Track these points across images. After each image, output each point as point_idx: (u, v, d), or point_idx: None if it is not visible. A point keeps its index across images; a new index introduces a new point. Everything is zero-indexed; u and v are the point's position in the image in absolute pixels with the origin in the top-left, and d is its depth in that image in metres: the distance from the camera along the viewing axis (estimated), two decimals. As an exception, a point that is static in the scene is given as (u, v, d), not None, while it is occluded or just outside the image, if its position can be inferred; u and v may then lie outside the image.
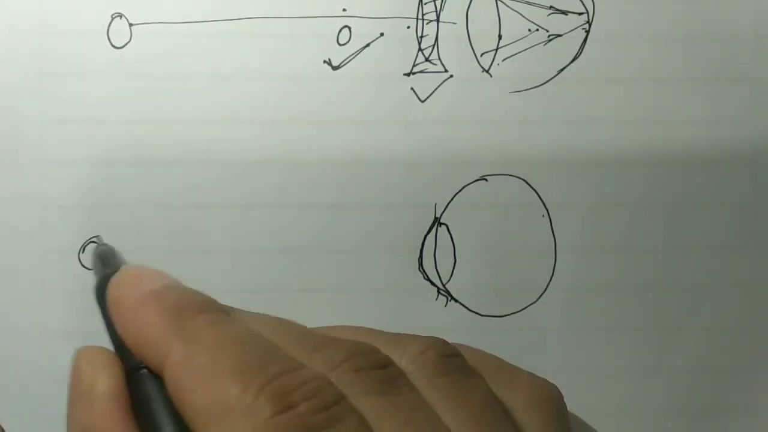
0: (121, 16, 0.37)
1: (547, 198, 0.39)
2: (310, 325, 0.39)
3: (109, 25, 0.37)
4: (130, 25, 0.38)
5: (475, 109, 0.39)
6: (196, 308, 0.21)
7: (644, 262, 0.40)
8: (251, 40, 0.38)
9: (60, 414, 0.38)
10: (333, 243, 0.39)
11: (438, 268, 0.39)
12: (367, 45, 0.38)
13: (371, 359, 0.20)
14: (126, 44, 0.38)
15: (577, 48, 0.39)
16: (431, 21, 0.38)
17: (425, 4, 0.38)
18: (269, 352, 0.19)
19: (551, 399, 0.22)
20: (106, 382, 0.21)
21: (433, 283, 0.39)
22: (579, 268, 0.39)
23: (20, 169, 0.37)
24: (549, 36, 0.39)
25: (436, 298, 0.39)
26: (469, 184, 0.39)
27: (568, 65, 0.39)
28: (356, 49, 0.38)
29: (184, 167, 0.38)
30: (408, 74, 0.39)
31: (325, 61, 0.38)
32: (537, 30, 0.39)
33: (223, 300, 0.38)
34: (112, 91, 0.37)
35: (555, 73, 0.39)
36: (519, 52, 0.39)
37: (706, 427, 0.40)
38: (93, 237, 0.38)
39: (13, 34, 0.37)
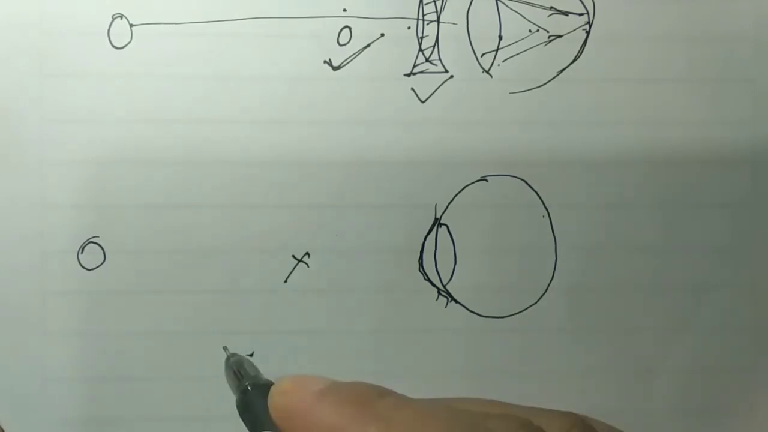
0: (122, 16, 0.37)
1: (547, 198, 0.39)
2: (313, 328, 0.39)
3: (110, 26, 0.37)
4: (131, 25, 0.37)
5: (476, 110, 0.39)
6: (375, 394, 0.22)
7: (645, 263, 0.40)
8: (252, 40, 0.38)
9: (60, 414, 0.38)
10: (333, 243, 0.39)
11: (438, 268, 0.39)
12: (368, 45, 0.38)
13: None
14: (127, 45, 0.37)
15: (578, 49, 0.39)
16: (432, 21, 0.38)
17: (426, 4, 0.38)
18: (473, 417, 0.21)
19: None
20: None
21: (433, 284, 0.39)
22: (579, 269, 0.39)
23: (20, 169, 0.37)
24: (549, 37, 0.39)
25: (437, 299, 0.39)
26: (469, 184, 0.39)
27: (568, 66, 0.39)
28: (357, 50, 0.38)
29: (184, 167, 0.38)
30: (408, 75, 0.39)
31: (325, 62, 0.38)
32: (537, 30, 0.39)
33: (223, 300, 0.38)
34: (113, 92, 0.37)
35: (555, 74, 0.39)
36: (519, 53, 0.39)
37: (706, 427, 0.40)
38: (92, 236, 0.38)
39: (13, 34, 0.37)
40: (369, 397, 0.22)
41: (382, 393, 0.22)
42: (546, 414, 0.22)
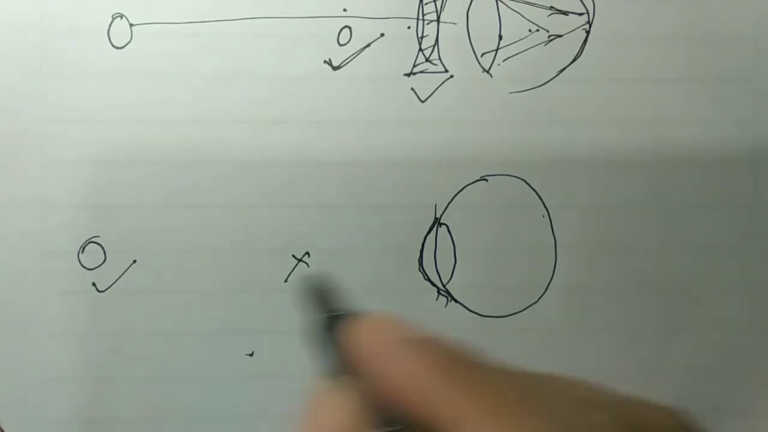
0: (121, 16, 0.37)
1: (547, 198, 0.39)
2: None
3: (110, 26, 0.37)
4: (131, 25, 0.38)
5: (476, 110, 0.39)
6: (467, 358, 0.20)
7: (644, 263, 0.40)
8: (252, 40, 0.38)
9: (60, 414, 0.38)
10: (333, 243, 0.39)
11: (438, 268, 0.39)
12: (368, 45, 0.38)
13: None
14: (126, 44, 0.38)
15: (578, 48, 0.39)
16: (432, 21, 0.38)
17: (426, 4, 0.38)
18: (574, 406, 0.19)
19: None
20: None
21: (433, 284, 0.39)
22: (579, 269, 0.39)
23: (20, 169, 0.37)
24: (549, 36, 0.39)
25: (437, 299, 0.39)
26: (469, 184, 0.39)
27: (568, 66, 0.39)
28: (357, 50, 0.38)
29: (184, 167, 0.38)
30: (408, 74, 0.39)
31: (325, 61, 0.38)
32: (537, 30, 0.39)
33: (223, 300, 0.38)
34: (113, 91, 0.37)
35: (555, 74, 0.39)
36: (519, 53, 0.39)
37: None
38: (93, 236, 0.38)
39: (13, 34, 0.37)
40: (466, 361, 0.20)
41: (475, 360, 0.20)
42: (648, 407, 0.20)
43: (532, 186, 0.39)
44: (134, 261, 0.38)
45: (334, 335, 0.22)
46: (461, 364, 0.19)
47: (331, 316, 0.22)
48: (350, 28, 0.38)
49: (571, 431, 0.18)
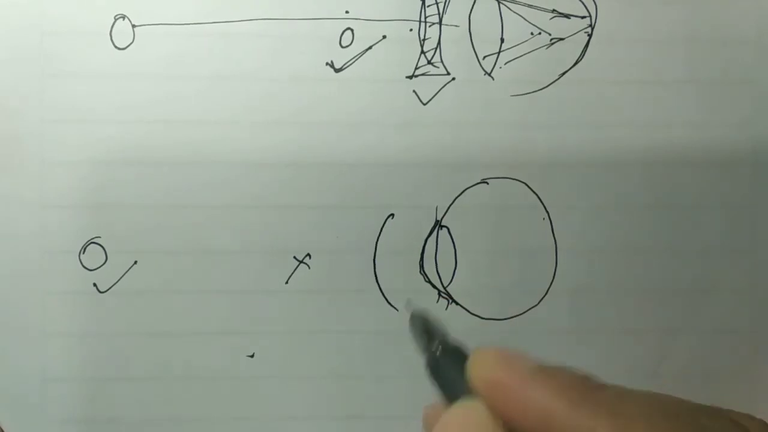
0: (124, 17, 0.37)
1: (548, 201, 0.39)
2: (313, 329, 0.39)
3: (112, 26, 0.37)
4: (133, 26, 0.37)
5: (477, 112, 0.39)
6: (592, 383, 0.22)
7: (645, 264, 0.40)
8: (254, 41, 0.38)
9: (60, 414, 0.38)
10: (334, 244, 0.39)
11: (439, 270, 0.39)
12: (370, 47, 0.38)
13: None
14: (129, 45, 0.37)
15: (580, 51, 0.39)
16: (434, 24, 0.38)
17: (428, 6, 0.38)
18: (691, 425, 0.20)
19: None
20: None
21: (434, 286, 0.39)
22: (580, 271, 0.39)
23: (20, 169, 0.37)
24: (551, 39, 0.39)
25: (437, 301, 0.39)
26: (470, 186, 0.39)
27: (570, 68, 0.39)
28: (359, 52, 0.38)
29: (184, 167, 0.38)
30: (410, 77, 0.39)
31: (327, 63, 0.38)
32: (539, 33, 0.39)
33: (224, 300, 0.38)
34: (115, 92, 0.37)
35: (557, 77, 0.39)
36: (521, 56, 0.39)
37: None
38: (94, 237, 0.38)
39: (14, 34, 0.37)
40: (587, 386, 0.22)
41: (601, 385, 0.22)
42: (746, 418, 0.22)
43: (533, 189, 0.39)
44: (135, 262, 0.38)
45: (453, 370, 0.24)
46: (584, 389, 0.21)
47: (444, 351, 0.24)
48: (352, 30, 0.38)
49: None
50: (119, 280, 0.38)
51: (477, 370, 0.23)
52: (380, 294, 0.39)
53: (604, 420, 0.20)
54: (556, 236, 0.39)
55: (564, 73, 0.39)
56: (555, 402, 0.21)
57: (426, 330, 0.26)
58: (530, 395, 0.21)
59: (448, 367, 0.24)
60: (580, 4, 0.39)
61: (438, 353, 0.25)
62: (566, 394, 0.21)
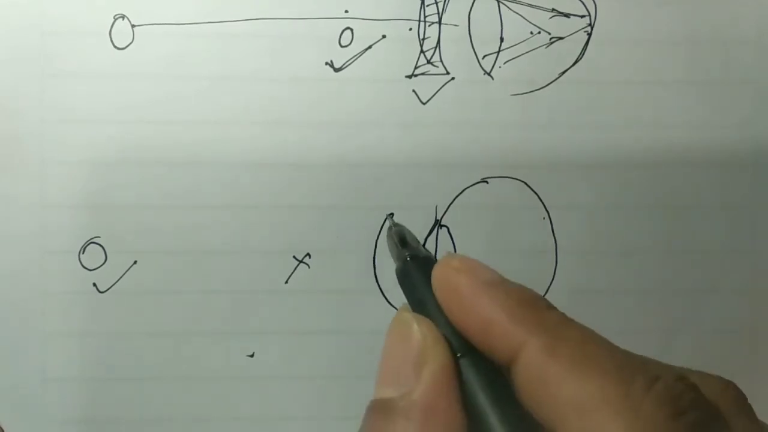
0: (123, 17, 0.37)
1: (547, 200, 0.39)
2: (313, 329, 0.39)
3: (112, 26, 0.37)
4: (133, 26, 0.37)
5: (477, 112, 0.39)
6: (545, 303, 0.22)
7: (645, 265, 0.40)
8: (253, 41, 0.38)
9: (60, 414, 0.38)
10: (334, 244, 0.39)
11: (439, 270, 0.39)
12: (369, 47, 0.38)
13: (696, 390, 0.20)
14: (128, 45, 0.37)
15: (579, 51, 0.39)
16: (433, 23, 0.38)
17: (427, 6, 0.38)
18: (633, 356, 0.21)
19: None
20: (441, 357, 0.22)
21: (434, 285, 0.39)
22: (580, 271, 0.39)
23: (21, 169, 0.37)
24: (551, 39, 0.39)
25: (437, 300, 0.39)
26: (469, 186, 0.39)
27: (569, 68, 0.39)
28: (358, 51, 0.38)
29: (184, 168, 0.38)
30: (410, 76, 0.39)
31: (327, 63, 0.38)
32: (539, 33, 0.39)
33: (224, 300, 0.38)
34: (114, 92, 0.37)
35: (557, 76, 0.39)
36: (521, 55, 0.39)
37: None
38: (93, 237, 0.38)
39: (14, 34, 0.37)
40: (537, 305, 0.22)
41: (549, 305, 0.22)
42: (699, 374, 0.22)
43: (533, 188, 0.39)
44: (135, 262, 0.38)
45: (418, 276, 0.24)
46: (530, 307, 0.22)
47: (412, 259, 0.25)
48: (352, 30, 0.38)
49: (625, 372, 0.20)
50: (119, 280, 0.38)
51: (438, 275, 0.23)
52: (380, 294, 0.39)
53: (536, 338, 0.21)
54: (555, 236, 0.39)
55: (563, 73, 0.39)
56: (496, 314, 0.22)
57: (401, 240, 0.26)
58: (477, 304, 0.22)
59: (416, 274, 0.25)
60: (580, 3, 0.39)
61: (407, 260, 0.25)
62: (511, 309, 0.22)
